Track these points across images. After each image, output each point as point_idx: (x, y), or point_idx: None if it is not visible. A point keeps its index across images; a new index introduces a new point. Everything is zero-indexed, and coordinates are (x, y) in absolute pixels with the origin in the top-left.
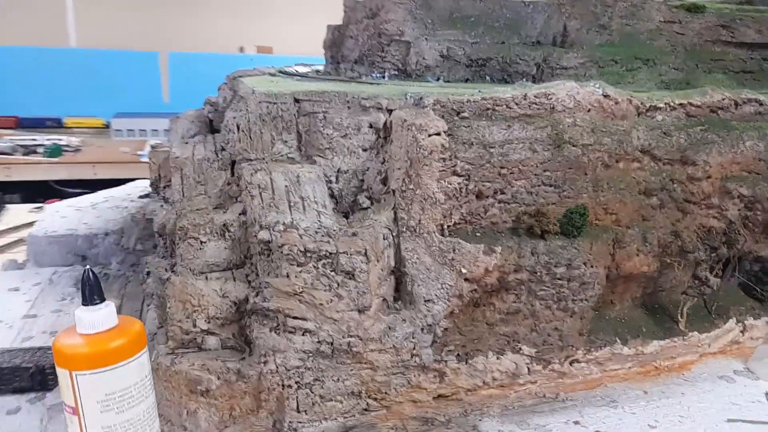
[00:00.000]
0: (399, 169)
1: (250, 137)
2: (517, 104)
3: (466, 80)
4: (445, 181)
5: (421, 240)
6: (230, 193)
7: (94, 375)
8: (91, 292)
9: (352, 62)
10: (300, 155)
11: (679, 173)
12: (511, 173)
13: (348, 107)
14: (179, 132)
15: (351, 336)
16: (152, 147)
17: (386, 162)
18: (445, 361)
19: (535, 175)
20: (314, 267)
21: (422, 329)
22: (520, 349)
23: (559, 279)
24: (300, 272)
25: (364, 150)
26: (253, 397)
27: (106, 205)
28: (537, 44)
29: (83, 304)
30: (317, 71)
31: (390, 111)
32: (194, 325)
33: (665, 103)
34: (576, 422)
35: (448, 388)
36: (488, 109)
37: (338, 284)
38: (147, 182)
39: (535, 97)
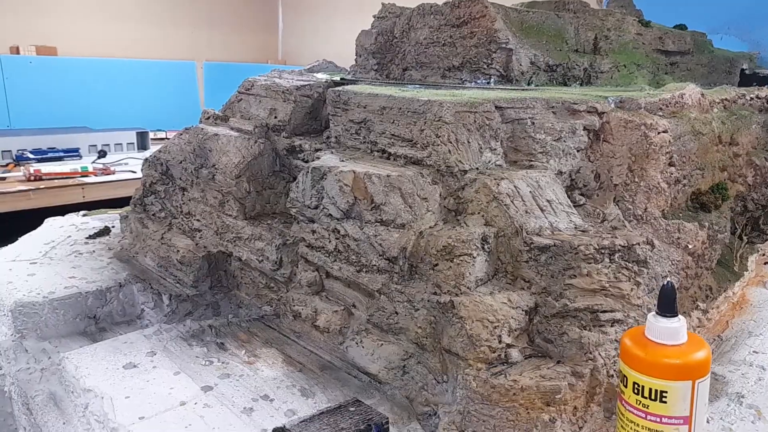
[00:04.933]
0: (620, 165)
1: (458, 147)
2: (670, 104)
3: (544, 84)
4: (666, 172)
5: (648, 226)
6: (448, 206)
7: (705, 381)
8: (674, 304)
9: (443, 69)
10: (505, 162)
11: (730, 152)
12: (686, 160)
13: (553, 112)
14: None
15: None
16: (147, 161)
17: (597, 161)
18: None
19: (693, 161)
20: (611, 261)
21: None
22: (698, 306)
23: (715, 244)
24: (600, 268)
25: (578, 151)
26: (586, 393)
27: (61, 252)
28: (577, 51)
29: (666, 316)
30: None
31: (601, 114)
32: (500, 341)
33: (718, 99)
34: (755, 352)
35: None
36: (660, 108)
37: (635, 273)
38: (76, 219)
39: (679, 97)
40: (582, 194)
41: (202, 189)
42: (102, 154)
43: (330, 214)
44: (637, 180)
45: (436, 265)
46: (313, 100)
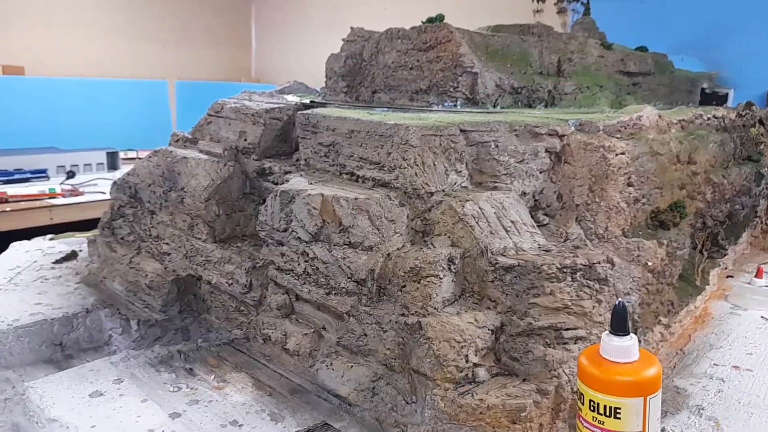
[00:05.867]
0: (580, 186)
1: (425, 170)
2: (628, 126)
3: (510, 106)
4: (625, 192)
5: (609, 244)
6: (416, 228)
7: (657, 397)
8: (625, 323)
9: (411, 92)
10: (470, 184)
11: (688, 171)
12: (645, 180)
13: (516, 135)
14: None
15: None
16: (116, 184)
17: (559, 181)
18: (640, 341)
19: (652, 180)
20: (573, 280)
21: None
22: (660, 320)
23: (675, 260)
24: (563, 287)
25: (541, 172)
26: (551, 410)
27: (27, 278)
28: (541, 74)
29: (618, 335)
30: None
31: (561, 136)
32: (467, 361)
33: (675, 120)
34: (715, 364)
35: None
36: (619, 130)
37: (597, 291)
38: (43, 243)
39: (636, 119)
40: (546, 214)
41: (171, 212)
42: (71, 174)
43: (299, 237)
44: (597, 200)
45: (404, 286)
46: (282, 122)
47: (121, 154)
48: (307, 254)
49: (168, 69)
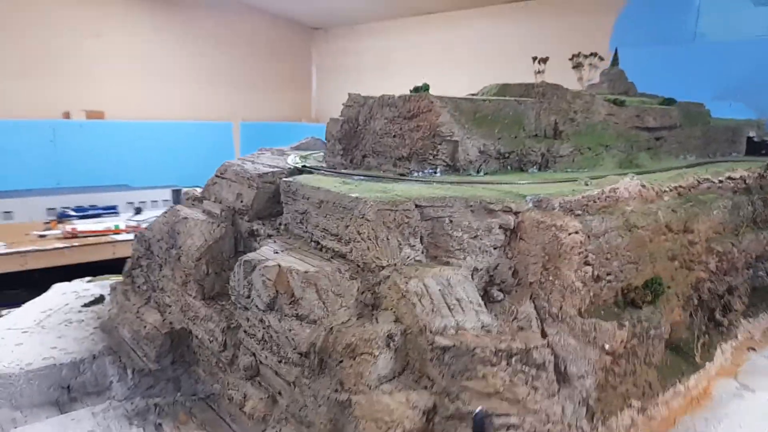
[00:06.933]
0: (535, 263)
1: (377, 244)
2: (599, 199)
3: (495, 172)
4: (581, 271)
5: (564, 324)
6: (365, 301)
7: None
8: None
9: (394, 159)
10: (425, 257)
11: (683, 240)
12: (612, 257)
13: (471, 210)
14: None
15: (549, 422)
16: (137, 237)
17: (514, 258)
18: (597, 428)
19: (623, 255)
20: (507, 364)
21: (579, 403)
22: (631, 404)
23: (650, 338)
24: (496, 371)
25: (495, 248)
26: None
27: (54, 321)
28: (536, 137)
29: None
30: (328, 163)
31: (516, 213)
32: None
33: (668, 188)
34: None
35: None
36: (585, 205)
37: (533, 377)
38: (80, 286)
39: (609, 192)
40: (501, 290)
41: (172, 268)
42: (138, 210)
43: (257, 305)
44: (551, 279)
45: (341, 362)
46: (275, 186)
47: (189, 191)
48: (264, 322)
49: (234, 111)
